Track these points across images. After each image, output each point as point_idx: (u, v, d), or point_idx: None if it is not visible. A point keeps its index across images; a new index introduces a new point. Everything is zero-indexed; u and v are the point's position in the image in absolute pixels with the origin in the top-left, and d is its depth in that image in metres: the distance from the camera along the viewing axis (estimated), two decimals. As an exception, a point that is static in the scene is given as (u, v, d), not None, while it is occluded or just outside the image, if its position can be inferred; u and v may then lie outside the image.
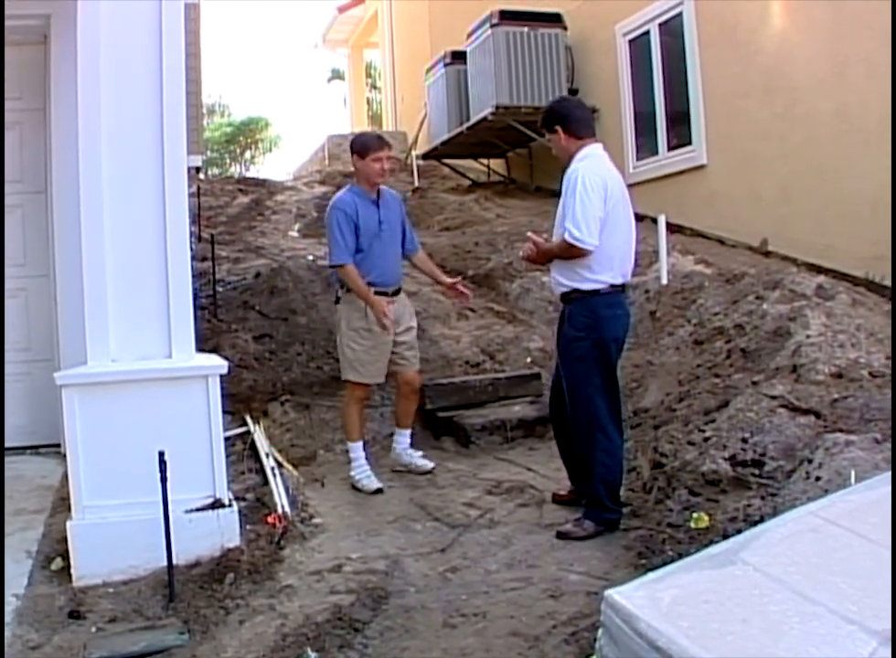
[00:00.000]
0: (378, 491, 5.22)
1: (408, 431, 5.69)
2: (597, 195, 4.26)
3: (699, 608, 2.08)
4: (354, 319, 5.30)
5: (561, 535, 4.30)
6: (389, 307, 5.20)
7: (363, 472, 5.34)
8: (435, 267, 5.92)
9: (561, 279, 4.48)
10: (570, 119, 4.52)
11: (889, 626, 1.96)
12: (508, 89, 10.61)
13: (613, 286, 4.41)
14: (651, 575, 2.32)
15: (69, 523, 3.90)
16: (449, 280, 5.75)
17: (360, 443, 5.46)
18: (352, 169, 5.71)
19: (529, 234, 4.69)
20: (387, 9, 17.44)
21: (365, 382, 5.41)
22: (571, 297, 4.46)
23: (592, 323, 4.36)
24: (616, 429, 4.46)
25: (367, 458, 5.46)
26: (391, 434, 5.80)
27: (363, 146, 5.34)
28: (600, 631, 2.22)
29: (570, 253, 4.32)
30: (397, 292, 5.48)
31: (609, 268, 4.38)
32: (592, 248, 4.25)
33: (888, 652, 1.90)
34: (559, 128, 4.48)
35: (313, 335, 7.04)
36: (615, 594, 2.16)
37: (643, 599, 2.13)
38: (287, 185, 13.42)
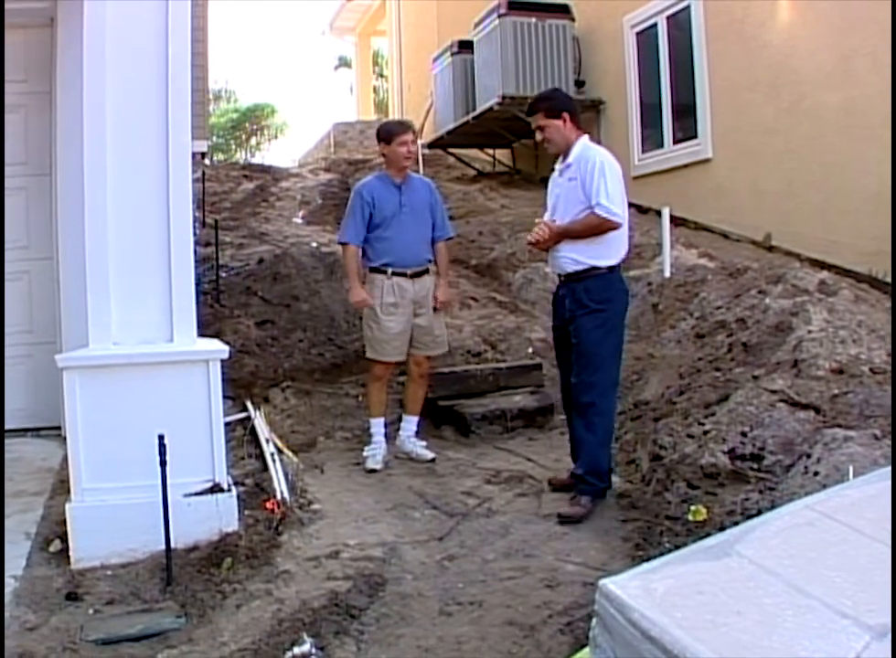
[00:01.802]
0: (372, 471, 5.34)
1: (414, 419, 5.70)
2: (619, 176, 4.51)
3: (693, 599, 2.09)
4: (372, 299, 5.44)
5: (564, 519, 4.33)
6: (373, 296, 5.39)
7: (370, 451, 5.48)
8: (445, 264, 5.68)
9: (578, 256, 4.57)
10: (575, 110, 4.72)
11: (883, 621, 1.96)
12: (515, 79, 10.61)
13: (618, 264, 4.65)
14: (646, 565, 2.32)
15: (68, 505, 3.90)
16: (441, 288, 5.58)
17: (379, 420, 5.56)
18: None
19: (538, 220, 4.80)
20: (395, -3, 17.41)
21: (378, 360, 5.49)
22: (589, 274, 4.56)
23: (612, 296, 4.60)
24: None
25: (385, 435, 5.57)
26: (393, 422, 5.81)
27: (388, 133, 5.53)
28: (594, 621, 2.22)
29: (601, 228, 4.47)
30: (419, 274, 5.50)
31: (622, 245, 4.64)
32: (622, 221, 4.48)
33: (881, 646, 1.90)
34: (566, 116, 4.61)
35: (315, 322, 7.05)
36: (610, 584, 2.17)
37: (637, 589, 2.13)
38: (292, 172, 13.38)
